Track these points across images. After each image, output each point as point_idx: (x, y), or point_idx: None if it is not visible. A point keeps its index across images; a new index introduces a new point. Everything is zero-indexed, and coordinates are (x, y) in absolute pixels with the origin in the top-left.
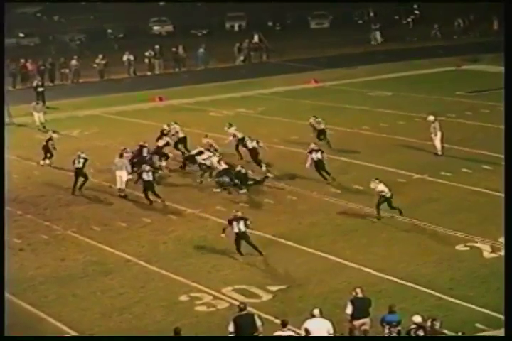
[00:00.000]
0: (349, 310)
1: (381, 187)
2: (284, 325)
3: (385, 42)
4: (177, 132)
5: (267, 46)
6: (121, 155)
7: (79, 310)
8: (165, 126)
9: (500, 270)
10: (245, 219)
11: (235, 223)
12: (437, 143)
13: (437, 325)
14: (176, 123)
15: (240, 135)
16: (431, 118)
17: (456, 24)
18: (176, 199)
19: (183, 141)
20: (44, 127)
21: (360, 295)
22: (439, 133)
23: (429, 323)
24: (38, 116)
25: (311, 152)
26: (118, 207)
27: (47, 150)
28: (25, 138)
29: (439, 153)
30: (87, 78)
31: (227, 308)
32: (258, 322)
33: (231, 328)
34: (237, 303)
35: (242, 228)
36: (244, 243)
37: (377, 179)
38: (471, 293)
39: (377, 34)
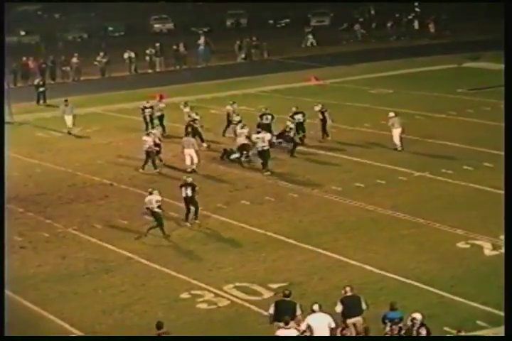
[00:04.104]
0: (339, 308)
1: None
2: (286, 322)
3: (318, 45)
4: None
5: (212, 50)
6: (187, 134)
7: (80, 308)
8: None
9: (501, 267)
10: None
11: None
12: (396, 138)
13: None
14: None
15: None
16: (391, 114)
17: (389, 25)
18: (178, 196)
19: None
20: (70, 133)
21: (349, 293)
22: (398, 129)
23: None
24: (68, 120)
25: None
26: (119, 204)
27: (197, 132)
28: (26, 136)
29: (399, 148)
30: (88, 76)
31: (228, 306)
32: (298, 311)
33: (271, 310)
34: (238, 301)
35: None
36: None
37: None
38: (472, 290)
39: (310, 37)
